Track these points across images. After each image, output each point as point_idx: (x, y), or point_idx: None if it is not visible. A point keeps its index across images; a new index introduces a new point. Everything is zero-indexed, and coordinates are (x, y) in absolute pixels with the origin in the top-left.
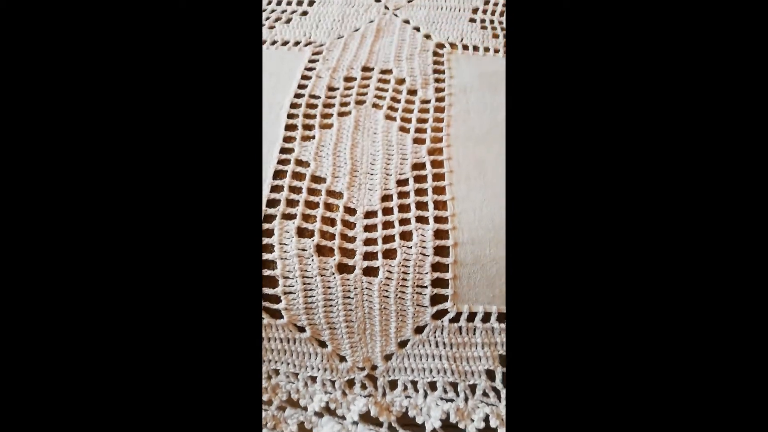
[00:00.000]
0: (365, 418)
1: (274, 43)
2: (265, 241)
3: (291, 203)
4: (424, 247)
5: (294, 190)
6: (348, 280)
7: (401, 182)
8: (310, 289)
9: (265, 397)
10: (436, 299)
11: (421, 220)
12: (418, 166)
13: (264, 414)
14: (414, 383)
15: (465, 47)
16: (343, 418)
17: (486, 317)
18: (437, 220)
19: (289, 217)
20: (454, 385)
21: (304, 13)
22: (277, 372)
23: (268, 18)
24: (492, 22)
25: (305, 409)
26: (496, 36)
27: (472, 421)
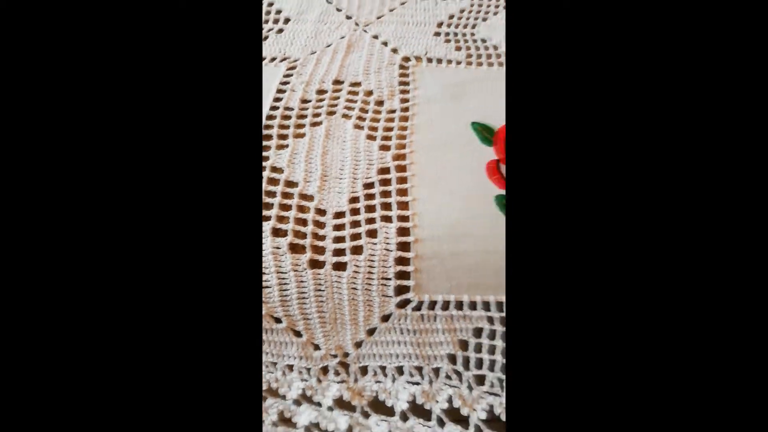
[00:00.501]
0: (339, 403)
1: None
2: None
3: (267, 206)
4: (388, 244)
5: (269, 194)
6: (319, 274)
7: (368, 185)
8: (285, 284)
9: None
10: (399, 290)
11: (386, 219)
12: (384, 170)
13: None
14: (383, 368)
15: (429, 60)
16: (319, 405)
17: (445, 305)
18: (400, 219)
19: (265, 218)
20: (420, 369)
21: (280, 31)
22: None
23: None
24: (456, 35)
25: (284, 397)
26: (458, 48)
27: (437, 402)
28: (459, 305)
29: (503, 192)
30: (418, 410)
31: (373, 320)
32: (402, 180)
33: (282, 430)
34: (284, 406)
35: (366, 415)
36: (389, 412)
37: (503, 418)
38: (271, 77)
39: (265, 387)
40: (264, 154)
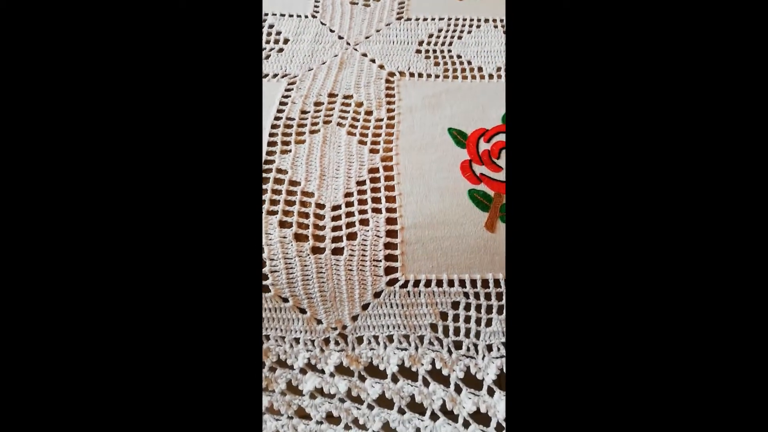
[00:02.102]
0: (339, 369)
1: None
2: None
3: (273, 202)
4: (378, 231)
5: (276, 192)
6: (320, 259)
7: (360, 183)
8: (291, 268)
9: None
10: (388, 271)
11: (376, 211)
12: (373, 170)
13: None
14: (376, 338)
15: (411, 74)
16: (323, 371)
17: (428, 283)
18: (388, 210)
19: (272, 213)
20: (407, 337)
21: (280, 50)
22: (267, 337)
23: None
24: (434, 52)
25: (291, 367)
26: (437, 64)
27: (422, 364)
28: (439, 283)
29: (475, 187)
30: (406, 372)
31: (367, 297)
32: (389, 178)
33: (289, 398)
34: (291, 375)
35: (362, 379)
36: (382, 375)
37: (479, 377)
38: (273, 91)
39: (274, 359)
40: (270, 158)
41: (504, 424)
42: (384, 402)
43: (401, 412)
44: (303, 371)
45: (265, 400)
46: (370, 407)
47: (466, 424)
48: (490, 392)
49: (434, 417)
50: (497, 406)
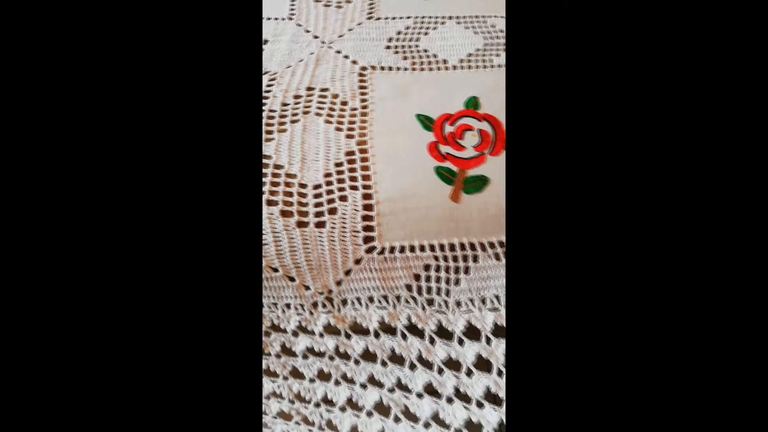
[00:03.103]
0: (327, 329)
1: None
2: None
3: (262, 184)
4: (356, 206)
5: (263, 175)
6: (305, 232)
7: (338, 164)
8: (279, 241)
9: None
10: (366, 240)
11: (353, 188)
12: (350, 153)
13: None
14: (358, 299)
15: (382, 68)
16: (312, 332)
17: (402, 249)
18: (364, 187)
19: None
20: (385, 297)
21: (261, 50)
22: (261, 305)
23: None
24: (403, 47)
25: (284, 331)
26: (405, 58)
27: (399, 320)
28: (412, 248)
29: (441, 164)
30: (386, 328)
31: (348, 263)
32: (364, 159)
33: (284, 359)
34: (285, 338)
35: (348, 337)
36: (365, 332)
37: (449, 329)
38: None
39: (268, 324)
40: None
41: (473, 369)
42: (368, 356)
43: (384, 364)
44: (295, 333)
45: (263, 363)
46: (357, 362)
47: (440, 371)
48: (460, 342)
49: (412, 367)
50: (467, 353)
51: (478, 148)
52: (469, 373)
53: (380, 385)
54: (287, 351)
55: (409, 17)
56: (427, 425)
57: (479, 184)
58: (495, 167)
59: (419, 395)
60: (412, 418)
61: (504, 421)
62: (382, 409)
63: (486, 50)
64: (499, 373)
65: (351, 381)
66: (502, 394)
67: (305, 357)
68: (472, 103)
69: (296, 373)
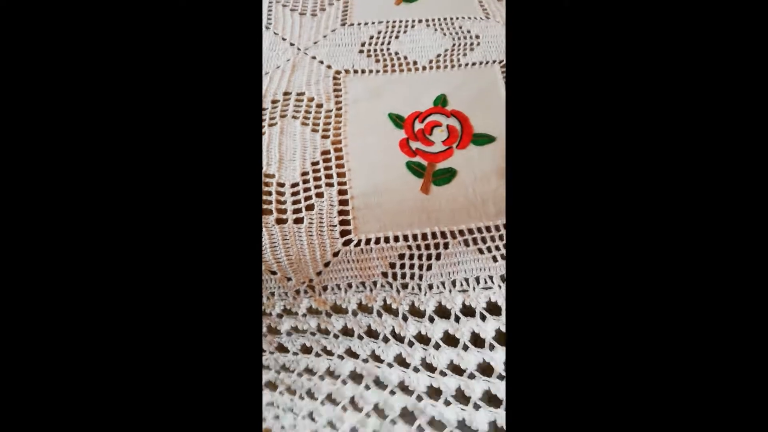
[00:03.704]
0: (310, 311)
1: None
2: None
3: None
4: (332, 201)
5: None
6: (284, 228)
7: (314, 163)
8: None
9: None
10: (343, 233)
11: (329, 185)
12: (325, 152)
13: None
14: (338, 285)
15: (355, 71)
16: (296, 314)
17: (377, 240)
18: (339, 184)
19: None
20: (363, 283)
21: None
22: None
23: None
24: (376, 51)
25: (270, 314)
26: (377, 61)
27: (376, 302)
28: (386, 240)
29: (411, 159)
30: (364, 308)
31: (327, 256)
32: (339, 158)
33: (270, 338)
34: (271, 320)
35: (329, 315)
36: (345, 312)
37: (421, 308)
38: None
39: None
40: None
41: (441, 343)
42: (346, 332)
43: (360, 338)
44: (279, 315)
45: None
46: (336, 336)
47: (410, 344)
48: (431, 320)
49: (386, 340)
50: (434, 329)
51: (446, 143)
52: (437, 347)
53: (356, 355)
54: (273, 331)
55: (381, 22)
56: (392, 393)
57: (448, 176)
58: (462, 159)
59: (389, 365)
60: (382, 386)
61: (459, 387)
62: (356, 376)
63: (454, 51)
64: (465, 348)
65: (330, 353)
66: (464, 365)
67: (289, 334)
68: (441, 101)
69: (281, 348)
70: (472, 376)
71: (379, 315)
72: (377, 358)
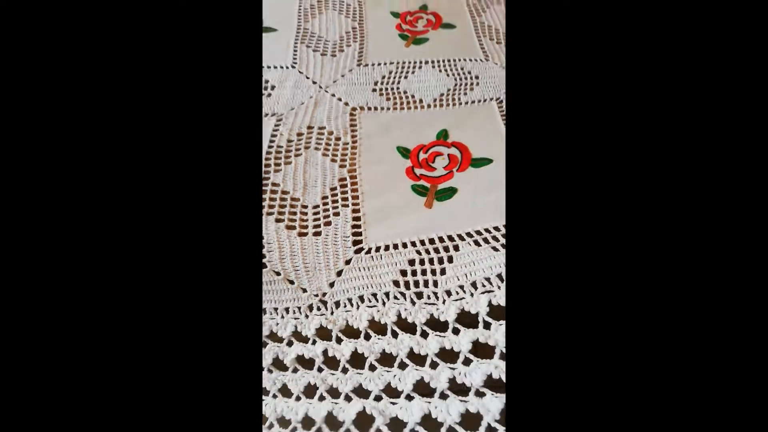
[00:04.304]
0: (319, 332)
1: None
2: None
3: (271, 206)
4: (346, 218)
5: (272, 199)
6: (304, 240)
7: (332, 189)
8: (283, 249)
9: None
10: (355, 243)
11: (344, 206)
12: (342, 179)
13: None
14: (350, 300)
15: (369, 108)
16: (306, 338)
17: (386, 248)
18: (353, 205)
19: (270, 213)
20: (375, 295)
21: (269, 95)
22: (265, 311)
23: None
24: (387, 90)
25: (281, 339)
26: (388, 99)
27: (389, 317)
28: (395, 246)
29: (416, 183)
30: (376, 326)
31: (340, 264)
32: (354, 183)
33: (275, 375)
34: (279, 349)
35: (339, 341)
36: (356, 334)
37: (442, 319)
38: (266, 126)
39: (267, 333)
40: (266, 175)
41: (471, 357)
42: (356, 361)
43: (372, 368)
44: (289, 343)
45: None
46: (344, 370)
47: (433, 365)
48: (455, 331)
49: (402, 366)
50: (461, 341)
51: (447, 168)
52: (467, 362)
53: (366, 394)
54: (279, 364)
55: (392, 62)
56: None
57: (449, 193)
58: (462, 180)
59: (409, 397)
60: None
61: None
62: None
63: (455, 90)
64: (502, 356)
65: (336, 393)
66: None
67: (295, 371)
68: (443, 135)
69: (285, 391)
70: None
71: (395, 335)
72: (393, 392)
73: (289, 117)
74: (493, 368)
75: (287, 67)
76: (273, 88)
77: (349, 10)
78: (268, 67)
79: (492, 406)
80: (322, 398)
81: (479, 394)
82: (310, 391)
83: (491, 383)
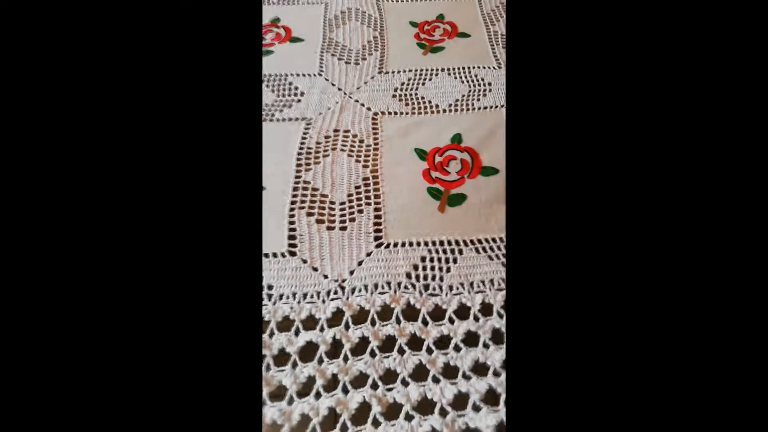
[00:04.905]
0: (333, 318)
1: (283, 120)
2: (291, 220)
3: (302, 202)
4: (369, 215)
5: (303, 195)
6: (332, 233)
7: (357, 187)
8: (312, 240)
9: (266, 317)
10: (376, 238)
11: (367, 204)
12: (366, 179)
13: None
14: (366, 287)
15: (389, 113)
16: (318, 321)
17: (403, 244)
18: (375, 203)
19: (302, 208)
20: (388, 283)
21: (299, 101)
22: (282, 296)
23: (282, 105)
24: (406, 96)
25: (292, 323)
26: (407, 104)
27: (399, 304)
28: (410, 244)
29: (431, 185)
30: (386, 311)
31: (362, 255)
32: (376, 183)
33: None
34: (287, 337)
35: (347, 327)
36: (364, 320)
37: (444, 308)
38: (296, 130)
39: (279, 318)
40: (298, 174)
41: (462, 345)
42: (362, 346)
43: (372, 354)
44: (297, 332)
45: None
46: (345, 358)
47: (428, 350)
48: (451, 321)
49: (401, 351)
50: (458, 331)
51: (460, 173)
52: (457, 348)
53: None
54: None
55: (410, 70)
56: (409, 417)
57: (459, 199)
58: (472, 187)
59: (404, 382)
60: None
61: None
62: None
63: (469, 96)
64: (486, 345)
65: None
66: (490, 362)
67: (298, 365)
68: (457, 139)
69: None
70: (497, 374)
71: (398, 321)
72: (391, 377)
73: (317, 121)
74: (479, 354)
75: (314, 75)
76: (302, 94)
77: (371, 21)
78: (297, 75)
79: (479, 386)
80: (318, 395)
81: (466, 377)
82: (303, 391)
83: (477, 368)
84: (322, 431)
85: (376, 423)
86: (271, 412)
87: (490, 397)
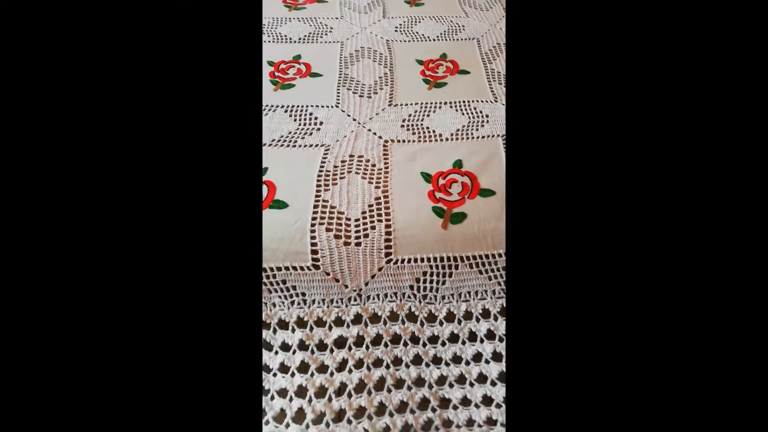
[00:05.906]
0: (355, 319)
1: (305, 146)
2: (312, 235)
3: (322, 219)
4: (380, 232)
5: (323, 212)
6: (348, 248)
7: (370, 206)
8: (333, 255)
9: (305, 318)
10: (387, 254)
11: (379, 221)
12: (377, 199)
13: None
14: (377, 296)
15: (398, 141)
16: (344, 321)
17: (409, 260)
18: (386, 221)
19: (321, 224)
20: (395, 294)
21: (318, 129)
22: (314, 301)
23: (304, 133)
24: (413, 125)
25: (324, 323)
26: (414, 133)
27: (403, 310)
28: (415, 260)
29: (435, 204)
30: (393, 316)
31: (374, 270)
32: (386, 202)
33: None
34: (323, 332)
35: (366, 325)
36: (378, 320)
37: (435, 314)
38: (316, 155)
39: (314, 319)
40: (318, 194)
41: (447, 342)
42: (377, 340)
43: (386, 345)
44: (330, 327)
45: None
46: (367, 347)
47: (423, 344)
48: (440, 323)
49: (405, 344)
50: (444, 331)
51: (461, 194)
52: (443, 344)
53: (381, 362)
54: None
55: (417, 103)
56: (409, 388)
57: (460, 218)
58: (472, 207)
59: (407, 365)
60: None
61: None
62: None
63: (469, 126)
64: (463, 342)
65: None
66: (464, 356)
67: (331, 350)
68: (458, 164)
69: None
70: (468, 363)
71: (402, 322)
72: (398, 361)
73: (334, 147)
74: (458, 348)
75: (332, 107)
76: (321, 123)
77: (381, 59)
78: (317, 106)
79: (455, 371)
80: (350, 371)
81: (446, 364)
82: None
83: (455, 359)
84: (355, 392)
85: (389, 390)
86: (320, 379)
87: (461, 379)
